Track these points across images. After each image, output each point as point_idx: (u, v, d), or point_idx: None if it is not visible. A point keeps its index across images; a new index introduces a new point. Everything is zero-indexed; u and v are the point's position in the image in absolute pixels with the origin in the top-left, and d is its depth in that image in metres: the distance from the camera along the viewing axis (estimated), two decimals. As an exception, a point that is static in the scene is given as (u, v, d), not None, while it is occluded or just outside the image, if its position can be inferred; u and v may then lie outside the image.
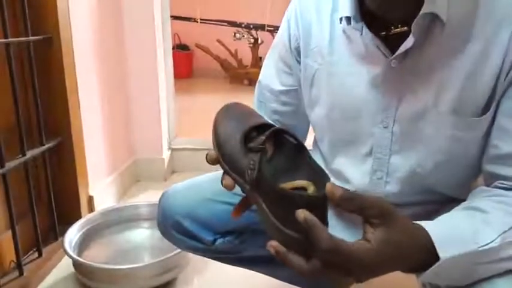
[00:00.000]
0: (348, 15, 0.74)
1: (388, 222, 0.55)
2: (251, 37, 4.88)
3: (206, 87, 4.92)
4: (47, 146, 1.41)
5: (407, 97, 0.74)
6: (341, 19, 0.77)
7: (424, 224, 0.59)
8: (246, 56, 4.93)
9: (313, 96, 0.87)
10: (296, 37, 0.88)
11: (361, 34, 0.74)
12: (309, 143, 1.02)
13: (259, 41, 4.88)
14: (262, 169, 0.57)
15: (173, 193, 1.01)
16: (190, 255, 1.38)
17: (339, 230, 0.92)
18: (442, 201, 0.80)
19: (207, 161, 0.68)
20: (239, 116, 0.68)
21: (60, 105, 1.47)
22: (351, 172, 0.84)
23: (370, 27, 0.73)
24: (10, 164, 1.25)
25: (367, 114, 0.78)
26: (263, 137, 0.60)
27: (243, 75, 4.85)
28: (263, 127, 0.64)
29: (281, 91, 0.93)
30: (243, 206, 0.69)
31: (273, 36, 4.42)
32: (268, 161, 0.61)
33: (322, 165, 0.93)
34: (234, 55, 4.90)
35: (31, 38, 1.34)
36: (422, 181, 0.77)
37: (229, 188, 0.64)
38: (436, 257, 0.56)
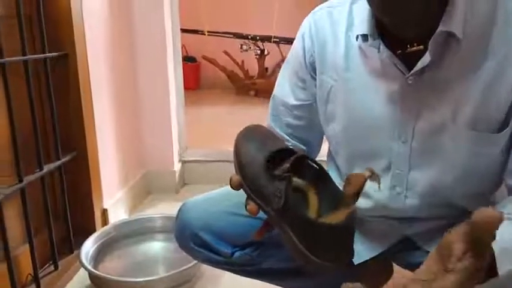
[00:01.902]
0: (365, 32, 0.76)
1: None
2: (257, 48, 4.92)
3: (213, 98, 4.95)
4: (63, 160, 1.44)
5: (425, 113, 0.75)
6: (357, 36, 0.78)
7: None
8: (253, 67, 4.96)
9: (328, 112, 0.88)
10: (311, 53, 0.89)
11: (379, 51, 0.75)
12: (322, 154, 1.04)
13: (266, 52, 4.91)
14: (288, 197, 0.58)
15: (191, 206, 1.02)
16: (205, 267, 1.39)
17: (358, 244, 0.93)
18: (460, 215, 0.81)
19: (230, 186, 0.68)
20: (260, 139, 0.69)
21: (76, 120, 1.50)
22: (369, 187, 0.84)
23: (387, 44, 0.74)
24: (28, 179, 1.27)
25: (385, 130, 0.79)
26: (287, 165, 0.61)
27: (250, 86, 4.88)
28: (284, 151, 0.65)
29: (295, 105, 0.94)
30: (265, 228, 0.70)
31: (279, 48, 4.44)
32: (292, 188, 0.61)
33: (338, 179, 0.94)
34: (241, 66, 4.93)
35: (48, 54, 1.36)
36: (442, 195, 0.78)
37: (253, 214, 0.65)
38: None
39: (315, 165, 0.64)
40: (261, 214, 0.70)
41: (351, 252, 0.59)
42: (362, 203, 0.88)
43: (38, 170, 1.33)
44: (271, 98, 1.01)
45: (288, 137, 0.97)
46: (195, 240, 0.99)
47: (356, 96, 0.82)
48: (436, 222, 0.83)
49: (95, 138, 1.60)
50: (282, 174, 0.60)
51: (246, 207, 0.67)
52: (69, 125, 1.49)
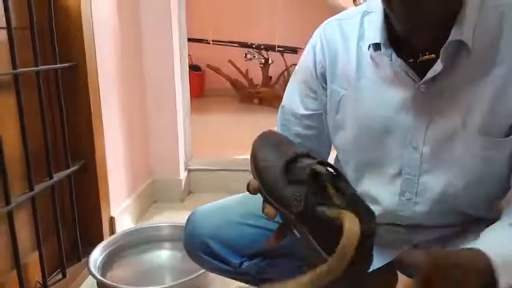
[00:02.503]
0: (378, 41, 0.78)
1: None
2: (262, 57, 4.95)
3: (217, 106, 4.98)
4: (72, 169, 1.46)
5: (436, 119, 0.76)
6: (369, 46, 0.80)
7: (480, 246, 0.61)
8: (257, 76, 4.99)
9: (338, 121, 0.89)
10: (322, 64, 0.90)
11: (391, 60, 0.77)
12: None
13: (270, 61, 4.94)
14: (308, 201, 0.59)
15: (201, 214, 1.03)
16: (212, 276, 1.40)
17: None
18: (469, 222, 0.82)
19: (247, 190, 0.70)
20: (276, 144, 0.71)
21: (86, 129, 1.52)
22: (379, 193, 0.85)
23: (398, 54, 0.76)
24: (39, 187, 1.29)
25: (396, 137, 0.80)
26: (308, 169, 0.62)
27: (254, 94, 4.91)
28: (300, 156, 0.67)
29: (304, 115, 0.95)
30: (282, 233, 0.72)
31: (283, 57, 4.46)
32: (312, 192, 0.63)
33: None
34: (245, 75, 4.96)
35: (59, 65, 1.39)
36: (452, 201, 0.79)
37: (271, 217, 0.67)
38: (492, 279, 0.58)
39: (332, 170, 0.64)
40: (270, 224, 0.72)
41: (371, 259, 0.60)
42: (371, 209, 0.89)
43: (47, 178, 1.35)
44: (280, 107, 1.02)
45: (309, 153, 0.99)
46: (204, 249, 1.00)
47: (367, 105, 0.83)
48: (444, 230, 0.84)
49: (104, 148, 1.62)
50: (300, 178, 0.61)
51: (263, 210, 0.68)
52: (78, 135, 1.51)
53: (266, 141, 0.73)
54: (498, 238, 0.64)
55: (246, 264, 1.00)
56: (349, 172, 0.92)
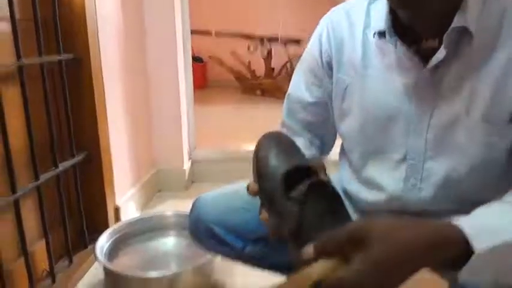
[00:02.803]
0: (382, 29, 0.79)
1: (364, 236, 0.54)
2: (264, 49, 4.95)
3: (220, 97, 4.99)
4: (77, 158, 1.48)
5: (440, 106, 0.77)
6: (374, 34, 0.82)
7: (455, 219, 0.57)
8: (259, 68, 4.99)
9: (344, 109, 0.90)
10: (328, 53, 0.91)
11: (395, 47, 0.78)
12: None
13: (272, 53, 4.94)
14: (300, 222, 0.61)
15: (205, 200, 1.05)
16: (218, 262, 1.43)
17: None
18: (475, 208, 0.83)
19: (247, 192, 0.72)
20: (279, 150, 0.71)
21: (90, 120, 1.54)
22: (383, 179, 0.86)
23: (403, 41, 0.77)
24: (44, 176, 1.31)
25: (401, 124, 0.81)
26: (303, 188, 0.62)
27: (256, 86, 4.91)
28: (301, 168, 0.67)
29: (310, 103, 0.96)
30: (277, 233, 0.72)
31: (286, 48, 4.46)
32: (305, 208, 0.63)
33: (352, 175, 0.97)
34: (248, 67, 4.97)
35: (63, 56, 1.41)
36: (456, 187, 0.80)
37: (265, 222, 0.69)
38: (471, 251, 0.54)
39: (330, 188, 0.65)
40: None
41: None
42: (375, 195, 0.90)
43: (53, 168, 1.37)
44: (286, 96, 1.03)
45: (303, 132, 1.00)
46: (208, 234, 1.02)
47: (372, 93, 0.84)
48: (450, 216, 0.85)
49: (108, 138, 1.64)
50: (297, 197, 0.62)
51: (260, 213, 0.71)
52: (83, 125, 1.53)
53: (269, 145, 0.73)
54: (483, 211, 0.62)
55: (249, 248, 1.02)
56: (354, 160, 0.93)
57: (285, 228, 0.64)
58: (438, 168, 0.80)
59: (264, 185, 0.69)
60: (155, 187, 2.20)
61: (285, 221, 0.63)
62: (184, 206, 1.29)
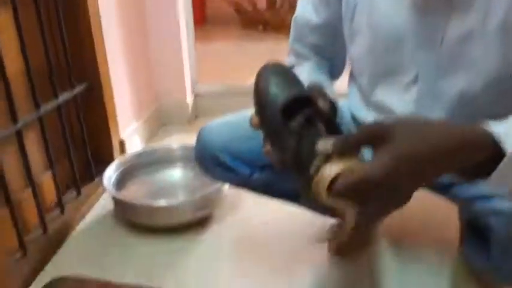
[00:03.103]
0: None
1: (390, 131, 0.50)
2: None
3: (221, 34, 4.83)
4: (77, 89, 1.43)
5: (454, 20, 0.73)
6: None
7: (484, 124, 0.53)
8: (261, 0, 4.81)
9: (353, 29, 0.86)
10: None
11: None
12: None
13: (274, -16, 4.73)
14: (300, 153, 0.59)
15: (211, 128, 1.03)
16: (225, 192, 1.43)
17: None
18: None
19: (250, 125, 0.70)
20: (279, 80, 0.69)
21: (87, 49, 1.48)
22: (394, 102, 0.84)
23: None
24: (45, 107, 1.28)
25: (412, 40, 0.77)
26: (301, 120, 0.61)
27: (258, 19, 4.75)
28: (301, 98, 0.65)
29: (318, 24, 0.94)
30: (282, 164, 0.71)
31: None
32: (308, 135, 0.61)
33: (361, 100, 0.94)
34: (249, -1, 4.78)
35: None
36: (470, 105, 0.77)
37: (269, 155, 0.68)
38: (501, 155, 0.50)
39: (329, 116, 0.64)
40: None
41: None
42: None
43: (53, 98, 1.33)
44: (292, 20, 1.00)
45: (312, 56, 0.97)
46: (215, 162, 1.01)
47: (381, 10, 0.80)
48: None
49: (108, 69, 1.58)
50: (294, 129, 0.61)
51: (263, 147, 0.69)
52: (80, 55, 1.47)
53: (268, 75, 0.70)
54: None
55: (256, 175, 1.01)
56: (363, 84, 0.90)
57: (286, 160, 0.63)
58: (451, 87, 0.76)
59: (264, 118, 0.68)
60: (159, 121, 2.18)
61: (285, 153, 0.63)
62: (189, 140, 1.27)
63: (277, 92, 0.66)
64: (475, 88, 0.74)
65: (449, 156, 0.49)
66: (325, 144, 0.54)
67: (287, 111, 0.64)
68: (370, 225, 0.66)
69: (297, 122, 0.62)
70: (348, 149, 0.52)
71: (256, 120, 0.70)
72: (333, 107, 0.79)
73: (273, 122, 0.65)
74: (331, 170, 0.52)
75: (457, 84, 0.76)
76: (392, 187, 0.49)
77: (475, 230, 0.85)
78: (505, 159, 0.49)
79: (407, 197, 0.52)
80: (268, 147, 0.68)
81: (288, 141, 0.62)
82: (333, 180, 0.52)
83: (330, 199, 0.53)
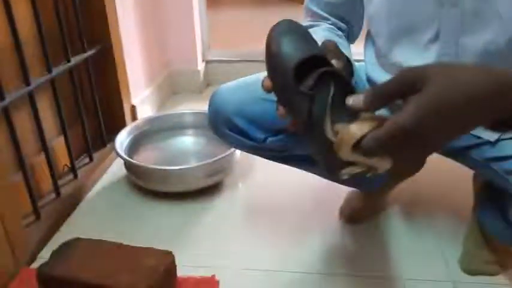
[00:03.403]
0: None
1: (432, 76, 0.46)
2: None
3: (232, 1, 4.75)
4: (89, 53, 1.42)
5: None
6: None
7: None
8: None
9: None
10: None
11: None
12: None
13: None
14: (312, 115, 0.59)
15: (224, 91, 1.01)
16: (237, 159, 1.42)
17: None
18: None
19: (262, 87, 0.68)
20: (291, 40, 0.66)
21: (99, 13, 1.46)
22: (412, 62, 0.80)
23: None
24: (57, 70, 1.27)
25: None
26: (311, 81, 0.59)
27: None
28: (315, 58, 0.63)
29: None
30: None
31: None
32: (320, 96, 0.60)
33: (377, 61, 0.91)
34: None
35: None
36: (495, 60, 0.74)
37: (283, 118, 0.66)
38: None
39: (343, 75, 0.61)
40: None
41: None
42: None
43: (65, 62, 1.32)
44: None
45: (328, 16, 0.94)
46: (228, 125, 0.99)
47: None
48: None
49: (119, 34, 1.56)
50: (306, 92, 0.59)
51: (276, 109, 0.67)
52: (92, 19, 1.45)
53: (280, 35, 0.67)
54: None
55: (270, 139, 0.99)
56: (380, 44, 0.88)
57: (299, 122, 0.62)
58: (475, 43, 0.74)
59: (276, 80, 0.65)
60: (170, 89, 2.16)
61: (297, 115, 0.62)
62: (200, 107, 1.25)
63: (289, 52, 0.64)
64: (499, 43, 0.72)
65: (488, 102, 0.46)
66: (356, 99, 0.51)
67: (300, 72, 0.62)
68: (406, 174, 0.63)
69: (308, 83, 0.60)
70: (379, 104, 0.50)
71: (268, 82, 0.68)
72: (349, 65, 0.76)
73: (285, 84, 0.63)
74: (361, 128, 0.50)
75: (481, 39, 0.73)
76: (424, 137, 0.46)
77: (491, 194, 0.83)
78: None
79: (443, 144, 0.49)
80: (281, 109, 0.67)
81: (300, 103, 0.60)
82: (360, 139, 0.50)
83: (354, 155, 0.51)
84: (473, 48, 0.74)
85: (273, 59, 0.66)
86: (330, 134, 0.56)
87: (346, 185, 1.19)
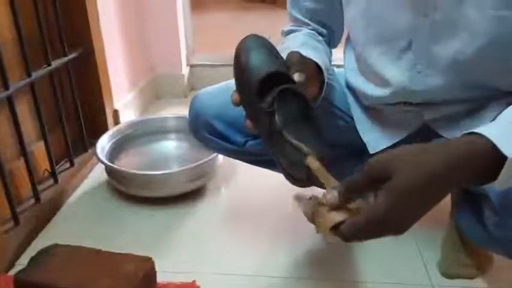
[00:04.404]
0: None
1: (395, 160, 0.52)
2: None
3: (217, 5, 4.76)
4: (70, 56, 1.40)
5: None
6: None
7: (478, 129, 0.52)
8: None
9: None
10: None
11: None
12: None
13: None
14: (271, 129, 0.65)
15: (204, 95, 1.02)
16: (219, 163, 1.42)
17: (375, 132, 0.93)
18: (490, 97, 0.79)
19: (231, 101, 0.73)
20: (258, 56, 0.70)
21: (80, 16, 1.45)
22: (388, 70, 0.83)
23: None
24: (37, 74, 1.25)
25: (404, 6, 0.76)
26: (270, 98, 0.65)
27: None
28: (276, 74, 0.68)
29: None
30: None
31: None
32: (278, 112, 0.66)
33: (356, 68, 0.92)
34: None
35: None
36: (465, 70, 0.76)
37: (250, 130, 0.72)
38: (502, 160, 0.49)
39: (301, 92, 0.67)
40: None
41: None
42: (379, 92, 0.86)
43: (45, 65, 1.30)
44: None
45: (309, 21, 0.95)
46: (209, 129, 1.00)
47: None
48: (458, 107, 0.82)
49: (101, 37, 1.55)
50: (265, 109, 0.65)
51: (244, 121, 0.73)
52: (73, 22, 1.44)
53: (247, 50, 0.72)
54: (501, 116, 0.55)
55: (250, 143, 1.00)
56: (358, 51, 0.89)
57: (262, 136, 0.69)
58: (445, 51, 0.75)
59: (243, 96, 0.71)
60: (154, 93, 2.15)
61: (260, 130, 0.68)
62: (184, 112, 1.25)
63: (254, 69, 0.68)
64: (467, 52, 0.73)
65: (452, 174, 0.51)
66: (331, 196, 0.56)
67: (265, 87, 0.66)
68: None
69: (268, 100, 0.65)
70: (353, 197, 0.56)
71: (236, 96, 0.72)
72: (318, 72, 0.80)
73: (250, 100, 0.68)
74: (336, 217, 0.56)
75: (451, 48, 0.75)
76: (396, 221, 0.52)
77: (468, 197, 0.84)
78: (507, 162, 0.49)
79: (415, 221, 0.53)
80: (248, 123, 0.72)
81: (262, 118, 0.66)
82: (338, 223, 0.55)
83: (333, 237, 0.57)
84: (444, 57, 0.76)
85: (239, 76, 0.71)
86: (289, 149, 0.64)
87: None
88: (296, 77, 0.68)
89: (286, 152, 0.65)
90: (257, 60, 0.69)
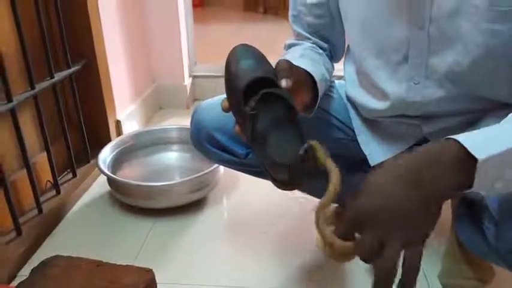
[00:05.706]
0: None
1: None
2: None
3: (220, 16, 4.79)
4: (73, 68, 1.42)
5: None
6: None
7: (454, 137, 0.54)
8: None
9: (343, 10, 0.87)
10: None
11: None
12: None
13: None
14: (254, 133, 0.67)
15: (205, 107, 1.02)
16: (221, 174, 1.42)
17: (374, 145, 0.93)
18: (487, 109, 0.79)
19: (221, 108, 0.75)
20: (246, 64, 0.72)
21: (83, 28, 1.46)
22: (386, 83, 0.83)
23: None
24: (40, 86, 1.26)
25: (400, 19, 0.77)
26: (253, 103, 0.67)
27: (258, 1, 4.68)
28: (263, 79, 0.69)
29: (314, 4, 0.93)
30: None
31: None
32: (261, 115, 0.68)
33: (355, 80, 0.93)
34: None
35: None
36: (462, 82, 0.76)
37: (239, 135, 0.73)
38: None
39: (285, 97, 0.68)
40: None
41: (303, 182, 0.69)
42: (378, 105, 0.87)
43: (48, 78, 1.32)
44: (291, 0, 0.99)
45: (310, 36, 0.96)
46: (210, 141, 1.00)
47: None
48: (457, 119, 0.82)
49: (104, 48, 1.57)
50: (248, 112, 0.67)
51: (234, 127, 0.74)
52: (76, 34, 1.45)
53: (236, 58, 0.74)
54: (498, 127, 0.57)
55: (251, 155, 1.00)
56: (356, 63, 0.91)
57: (247, 140, 0.70)
58: (442, 63, 0.76)
59: (231, 101, 0.73)
60: (156, 104, 2.16)
61: (245, 133, 0.70)
62: (187, 123, 1.26)
63: (241, 75, 0.70)
64: (463, 64, 0.74)
65: (420, 172, 0.53)
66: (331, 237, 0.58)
67: (251, 93, 0.68)
68: None
69: (251, 104, 0.67)
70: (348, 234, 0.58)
71: (226, 103, 0.74)
72: (308, 80, 0.81)
73: (237, 105, 0.70)
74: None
75: (447, 59, 0.75)
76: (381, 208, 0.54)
77: (468, 208, 0.84)
78: (478, 166, 0.50)
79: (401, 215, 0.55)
80: (237, 128, 0.73)
81: (247, 122, 0.67)
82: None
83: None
84: (441, 68, 0.76)
85: (228, 82, 0.73)
86: (273, 151, 0.66)
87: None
88: (283, 82, 0.69)
89: (267, 153, 0.67)
90: (245, 67, 0.71)
